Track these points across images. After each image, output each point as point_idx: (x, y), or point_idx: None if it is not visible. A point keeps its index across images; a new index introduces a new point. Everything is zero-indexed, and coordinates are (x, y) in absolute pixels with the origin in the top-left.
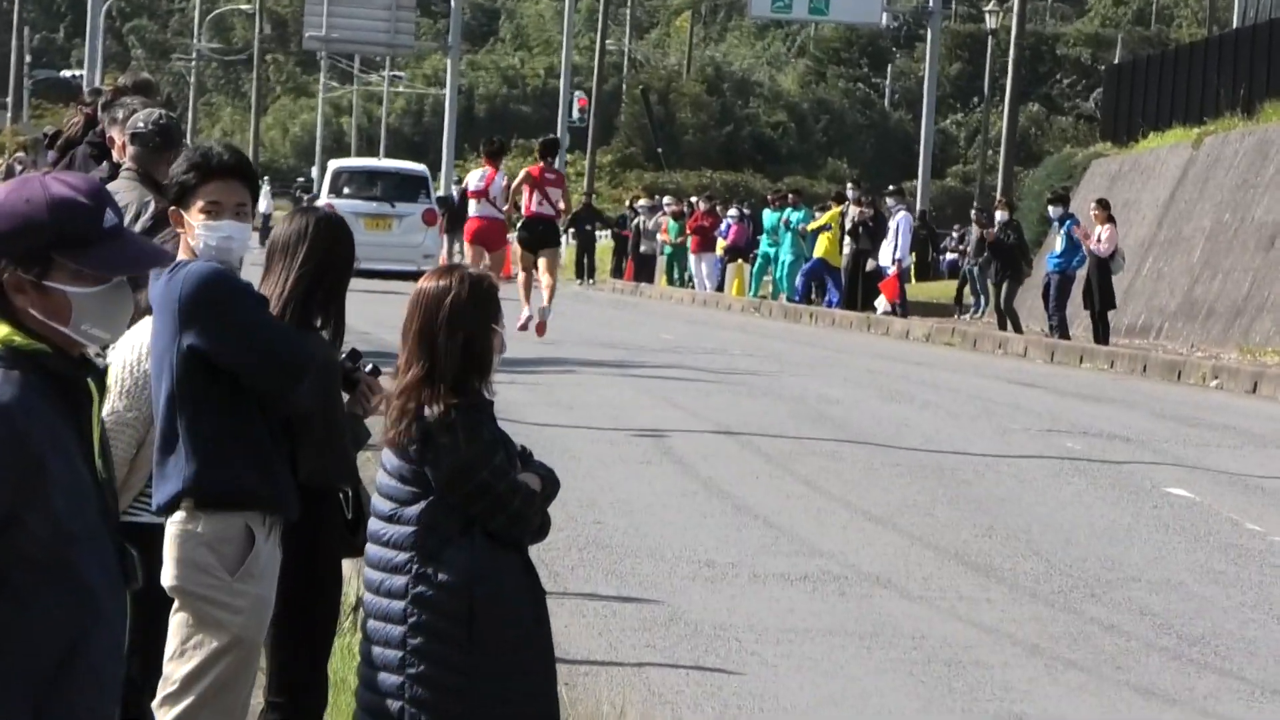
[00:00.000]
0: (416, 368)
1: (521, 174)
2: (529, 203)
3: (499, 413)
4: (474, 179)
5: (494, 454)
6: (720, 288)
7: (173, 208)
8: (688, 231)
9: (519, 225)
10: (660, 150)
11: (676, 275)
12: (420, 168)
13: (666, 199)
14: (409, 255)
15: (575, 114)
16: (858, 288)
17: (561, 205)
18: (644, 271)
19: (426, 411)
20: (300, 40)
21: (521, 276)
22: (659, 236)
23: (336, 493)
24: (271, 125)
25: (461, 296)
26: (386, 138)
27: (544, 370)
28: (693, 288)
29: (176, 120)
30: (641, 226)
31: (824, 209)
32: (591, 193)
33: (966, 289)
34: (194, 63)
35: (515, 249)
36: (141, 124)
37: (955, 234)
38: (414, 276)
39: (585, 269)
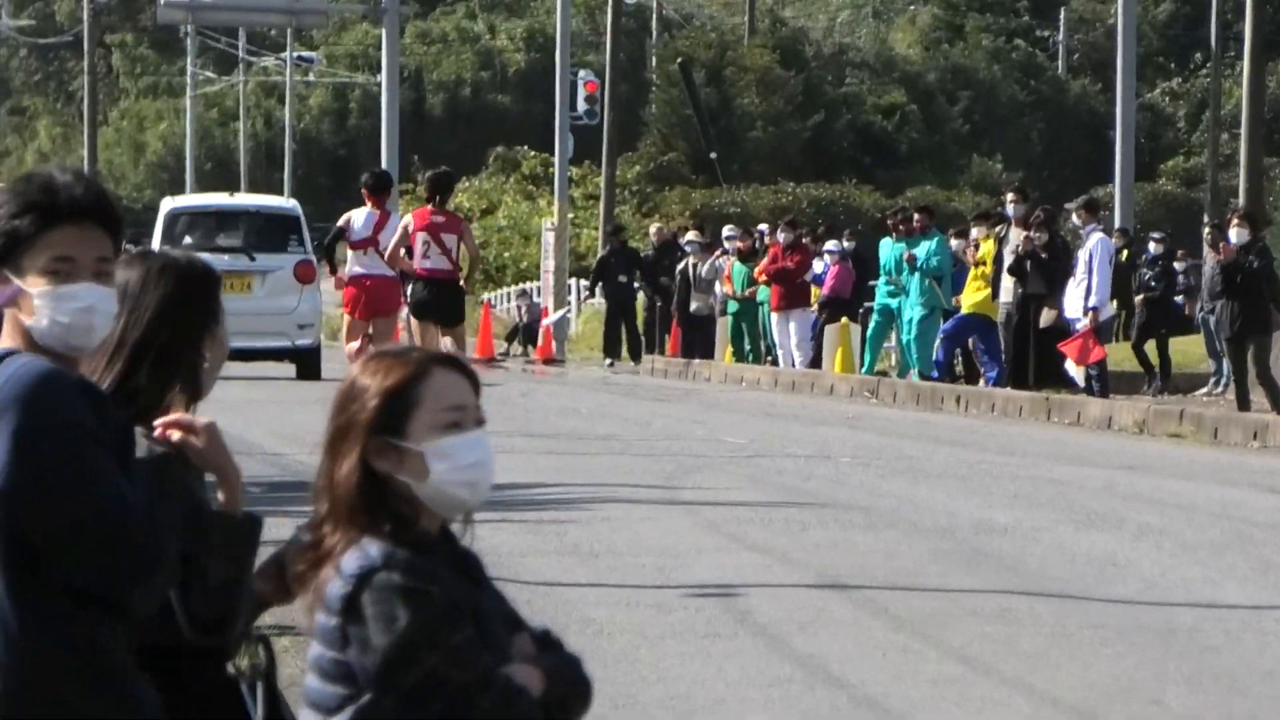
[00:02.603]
0: (325, 501)
1: (399, 230)
2: (416, 257)
3: (487, 566)
4: (359, 221)
5: (452, 628)
6: (816, 361)
7: None
8: (762, 278)
9: (410, 289)
10: (714, 156)
11: (748, 346)
12: (289, 205)
13: (728, 230)
14: (278, 326)
15: (580, 105)
16: (1028, 353)
17: (462, 258)
18: (697, 342)
19: (345, 565)
20: (154, 11)
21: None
22: (719, 287)
23: (226, 678)
24: (114, 141)
25: (388, 390)
26: (295, 151)
27: (551, 500)
28: (774, 364)
29: None
30: (692, 274)
31: (959, 241)
32: (614, 225)
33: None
34: None
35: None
36: None
37: (1180, 264)
38: (290, 355)
39: (622, 343)
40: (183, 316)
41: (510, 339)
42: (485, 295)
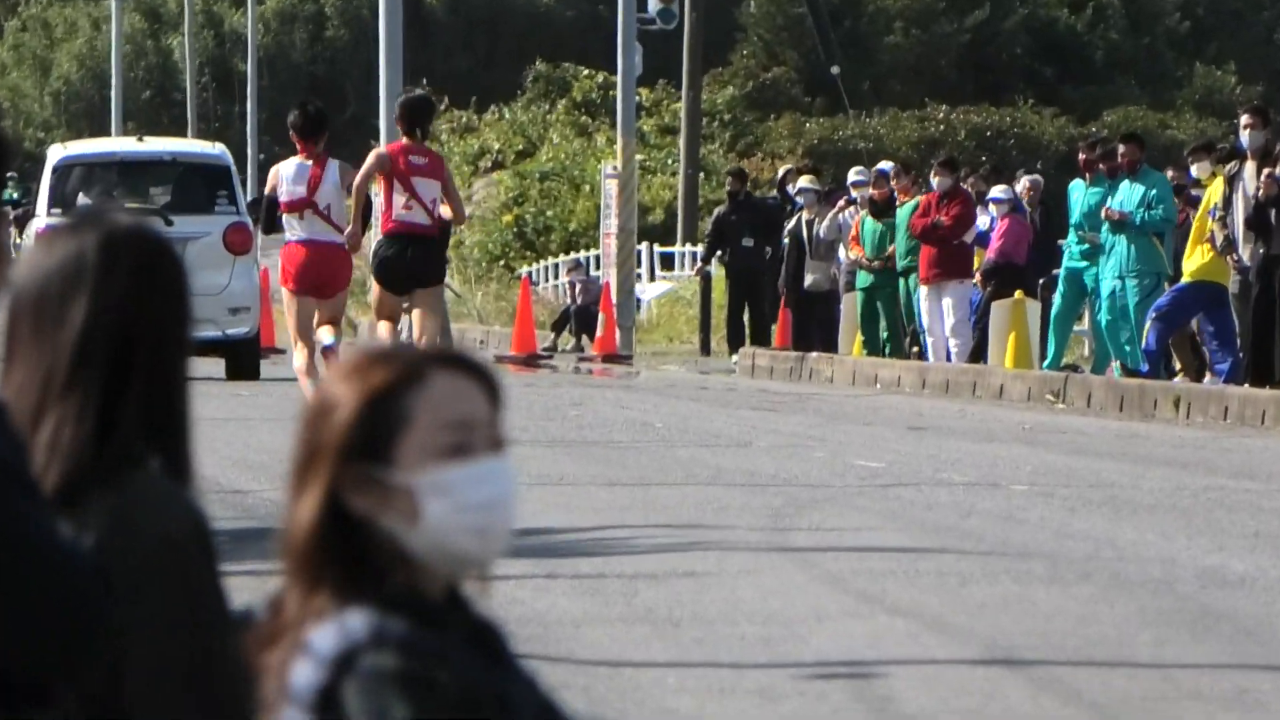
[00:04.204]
0: (286, 553)
1: (371, 158)
2: (388, 207)
3: (526, 640)
4: (287, 176)
5: None
6: (980, 353)
7: None
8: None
9: (375, 248)
10: (836, 71)
11: (884, 333)
12: (216, 151)
13: (855, 172)
14: (204, 311)
15: (652, 4)
16: (1273, 337)
17: (445, 210)
18: (812, 328)
19: (319, 644)
20: None
21: (383, 330)
22: (842, 251)
23: None
24: (14, 62)
25: (365, 401)
26: (256, 75)
27: (615, 549)
28: (921, 357)
29: None
30: (805, 235)
31: (1176, 184)
32: (736, 168)
33: None
34: None
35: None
36: None
37: None
38: (219, 348)
39: (745, 330)
40: (168, 309)
41: (558, 328)
42: (524, 269)
